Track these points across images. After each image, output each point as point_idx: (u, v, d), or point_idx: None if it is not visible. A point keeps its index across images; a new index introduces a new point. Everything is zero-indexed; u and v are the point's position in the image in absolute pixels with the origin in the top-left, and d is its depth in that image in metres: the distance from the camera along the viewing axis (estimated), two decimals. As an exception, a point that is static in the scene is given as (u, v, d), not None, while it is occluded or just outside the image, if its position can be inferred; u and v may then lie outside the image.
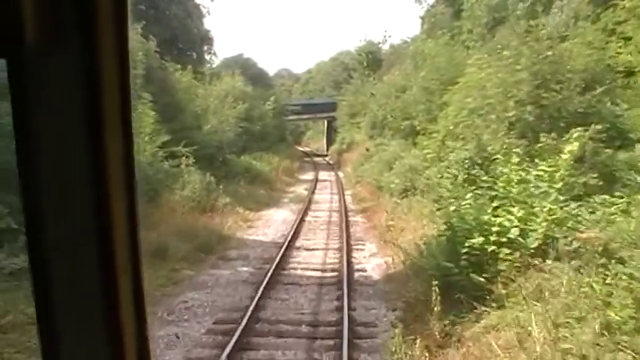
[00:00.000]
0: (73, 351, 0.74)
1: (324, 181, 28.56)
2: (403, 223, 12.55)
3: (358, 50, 42.15)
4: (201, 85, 25.67)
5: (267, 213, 17.53)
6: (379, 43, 41.37)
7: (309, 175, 31.71)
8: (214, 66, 36.77)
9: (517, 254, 6.55)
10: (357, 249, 12.10)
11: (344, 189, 23.39)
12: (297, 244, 12.82)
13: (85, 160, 0.69)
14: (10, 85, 0.67)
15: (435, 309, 6.31)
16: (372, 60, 39.82)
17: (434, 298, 6.35)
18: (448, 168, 11.17)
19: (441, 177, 11.31)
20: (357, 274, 9.97)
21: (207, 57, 36.64)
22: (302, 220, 15.83)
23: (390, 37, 51.34)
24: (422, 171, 13.73)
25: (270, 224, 15.47)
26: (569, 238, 6.21)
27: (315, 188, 24.35)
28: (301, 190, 24.01)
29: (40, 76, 0.66)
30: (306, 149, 56.05)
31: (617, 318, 4.62)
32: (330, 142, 48.37)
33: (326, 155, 46.97)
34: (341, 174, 31.29)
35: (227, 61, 43.15)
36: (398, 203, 14.11)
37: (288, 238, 12.88)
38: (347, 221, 15.20)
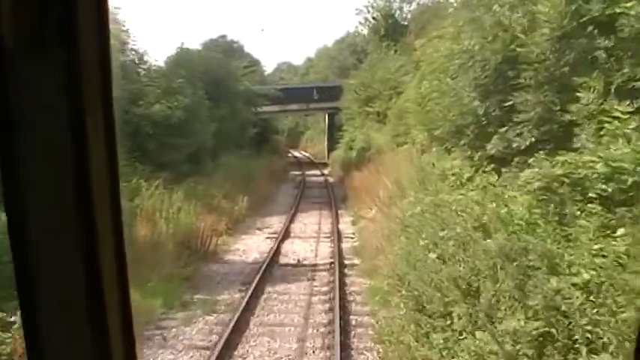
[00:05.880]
0: (59, 351, 0.73)
1: (298, 281, 10.01)
2: None
3: (372, 11, 31.22)
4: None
5: None
6: (402, 1, 31.25)
7: (256, 246, 12.89)
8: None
9: None
10: None
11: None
12: None
13: (67, 162, 0.69)
14: None
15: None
16: (391, 26, 29.68)
17: None
18: None
19: None
20: None
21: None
22: None
23: (418, -7, 33.84)
24: None
25: None
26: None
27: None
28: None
29: (20, 79, 0.66)
30: (303, 154, 43.34)
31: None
32: (332, 144, 34.43)
33: (325, 165, 32.73)
34: (350, 234, 13.24)
35: (206, 44, 34.42)
36: None
37: None
38: None
